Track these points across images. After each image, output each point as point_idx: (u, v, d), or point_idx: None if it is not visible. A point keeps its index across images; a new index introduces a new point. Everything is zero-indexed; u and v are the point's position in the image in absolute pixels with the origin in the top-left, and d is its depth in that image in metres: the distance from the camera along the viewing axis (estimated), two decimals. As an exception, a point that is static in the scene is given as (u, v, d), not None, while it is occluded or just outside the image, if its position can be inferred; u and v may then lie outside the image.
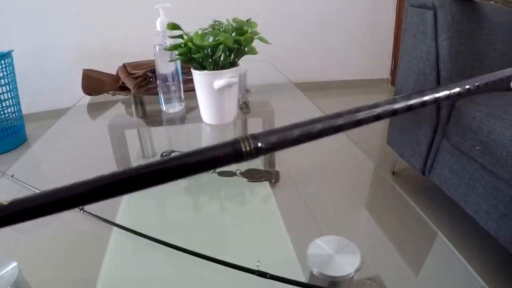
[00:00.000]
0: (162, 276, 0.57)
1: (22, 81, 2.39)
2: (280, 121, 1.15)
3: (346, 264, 0.35)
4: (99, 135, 1.16)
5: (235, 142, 0.18)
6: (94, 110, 1.38)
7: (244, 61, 1.02)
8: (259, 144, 0.18)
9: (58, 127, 1.20)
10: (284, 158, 0.92)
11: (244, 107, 1.19)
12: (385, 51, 3.23)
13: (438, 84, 1.29)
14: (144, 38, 1.68)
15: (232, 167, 0.83)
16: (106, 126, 1.19)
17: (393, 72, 3.23)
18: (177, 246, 0.52)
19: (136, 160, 0.96)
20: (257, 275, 0.42)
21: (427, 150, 1.40)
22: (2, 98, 2.19)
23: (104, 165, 0.96)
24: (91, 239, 0.66)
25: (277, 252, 0.59)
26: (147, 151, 1.03)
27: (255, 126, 1.16)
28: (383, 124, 2.39)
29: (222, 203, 0.76)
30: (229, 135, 1.11)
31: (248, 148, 0.18)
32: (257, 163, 0.88)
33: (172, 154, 0.82)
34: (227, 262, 0.46)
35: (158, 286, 0.55)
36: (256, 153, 0.18)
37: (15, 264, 0.37)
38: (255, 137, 0.18)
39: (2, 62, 2.12)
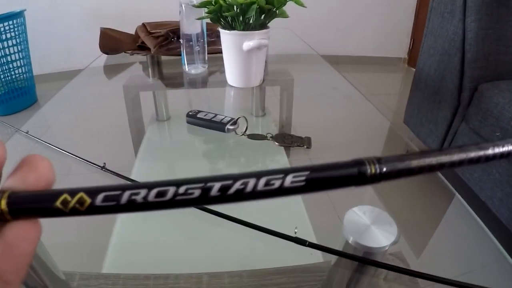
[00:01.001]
0: (173, 241, 0.56)
1: (33, 42, 2.36)
2: (300, 91, 1.14)
3: (382, 236, 0.34)
4: (114, 96, 1.14)
5: (359, 163, 0.16)
6: (110, 71, 1.36)
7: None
8: (385, 169, 0.15)
9: (72, 87, 1.18)
10: (310, 124, 0.90)
11: (267, 79, 1.16)
12: (404, 29, 3.15)
13: (462, 66, 1.26)
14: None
15: (257, 126, 0.81)
16: (122, 87, 1.17)
17: (411, 52, 3.16)
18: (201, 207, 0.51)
19: (150, 123, 0.95)
20: (296, 242, 0.41)
21: (445, 132, 1.37)
22: (13, 58, 2.17)
23: (116, 127, 0.94)
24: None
25: (292, 220, 0.59)
26: (161, 114, 1.01)
27: (273, 94, 1.14)
28: (397, 101, 2.36)
29: (241, 169, 0.75)
30: (249, 97, 1.09)
31: (373, 171, 0.15)
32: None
33: (199, 115, 0.82)
34: (261, 227, 0.44)
35: (168, 251, 0.54)
36: (379, 178, 0.16)
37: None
38: (382, 160, 0.16)
39: (14, 21, 2.08)
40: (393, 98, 2.48)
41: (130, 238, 0.57)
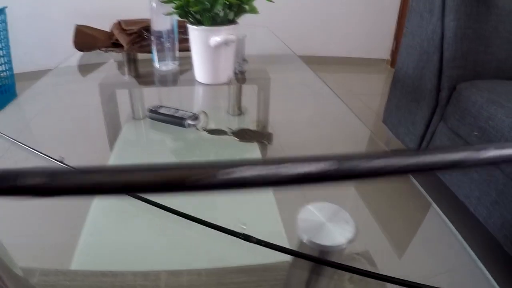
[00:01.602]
0: (144, 241, 0.55)
1: (14, 40, 2.33)
2: (278, 91, 1.13)
3: (338, 234, 0.32)
4: (89, 94, 1.12)
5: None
6: (85, 68, 1.34)
7: (242, 26, 0.99)
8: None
9: (46, 85, 1.15)
10: (277, 122, 0.89)
11: (240, 76, 1.15)
12: (387, 31, 3.17)
13: (441, 65, 1.26)
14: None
15: (223, 125, 0.80)
16: (97, 85, 1.15)
17: (394, 53, 3.18)
18: (161, 205, 0.49)
19: (126, 121, 0.93)
20: (243, 238, 0.40)
21: (423, 131, 1.38)
22: (-6, 56, 2.13)
23: (93, 125, 0.92)
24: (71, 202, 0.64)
25: (264, 218, 0.58)
26: (137, 113, 0.99)
27: (250, 94, 1.13)
28: (378, 102, 2.37)
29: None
30: (223, 96, 1.08)
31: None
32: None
33: (160, 110, 0.81)
34: (212, 224, 0.44)
35: (139, 251, 0.53)
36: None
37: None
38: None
39: (-5, 19, 2.05)
40: (374, 99, 2.49)
41: (100, 238, 0.55)
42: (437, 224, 0.59)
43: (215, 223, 0.45)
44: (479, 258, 0.50)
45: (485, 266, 0.49)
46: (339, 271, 0.44)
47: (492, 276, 0.47)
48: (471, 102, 1.15)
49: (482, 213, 1.10)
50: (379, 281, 0.45)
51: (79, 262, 0.49)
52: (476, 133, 1.12)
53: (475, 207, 1.13)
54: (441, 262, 0.53)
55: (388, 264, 0.52)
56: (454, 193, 1.22)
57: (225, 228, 0.43)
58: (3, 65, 2.22)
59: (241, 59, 1.17)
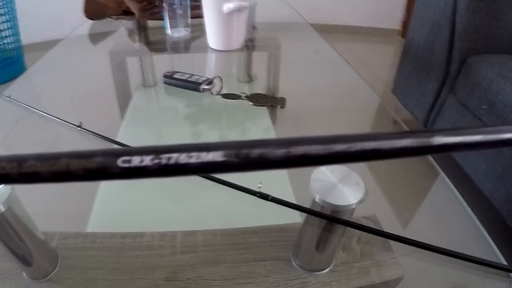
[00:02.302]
0: (158, 203, 0.57)
1: (21, 11, 2.30)
2: (288, 59, 1.13)
3: (349, 195, 0.34)
4: (100, 62, 1.12)
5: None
6: (95, 37, 1.34)
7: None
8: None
9: (57, 54, 1.15)
10: (287, 89, 0.90)
11: (250, 44, 1.15)
12: (399, 1, 3.11)
13: (452, 38, 1.25)
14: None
15: (235, 90, 0.81)
16: (108, 53, 1.15)
17: (405, 24, 3.13)
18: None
19: (136, 89, 0.94)
20: (259, 196, 0.41)
21: (432, 102, 1.38)
22: (1, 28, 2.12)
23: (104, 94, 0.93)
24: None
25: (273, 182, 0.59)
26: (148, 80, 1.00)
27: (262, 61, 1.13)
28: (388, 72, 2.35)
29: (222, 132, 0.75)
30: (234, 63, 1.09)
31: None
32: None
33: (175, 75, 0.82)
34: (229, 182, 0.45)
35: (154, 214, 0.55)
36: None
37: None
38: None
39: (1, -10, 2.02)
40: (384, 69, 2.47)
41: (113, 202, 0.57)
42: (444, 192, 0.61)
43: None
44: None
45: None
46: (348, 233, 0.46)
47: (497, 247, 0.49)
48: (481, 75, 1.15)
49: (487, 187, 1.11)
50: (385, 243, 0.47)
51: (94, 225, 0.51)
52: (484, 106, 1.12)
53: (481, 181, 1.14)
54: (447, 231, 0.54)
55: (394, 229, 0.53)
56: (461, 165, 1.23)
57: (243, 187, 0.44)
58: (10, 37, 2.20)
59: (251, 26, 1.17)
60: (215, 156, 0.13)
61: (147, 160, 0.13)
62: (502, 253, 0.48)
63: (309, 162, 0.14)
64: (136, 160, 0.13)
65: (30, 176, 0.13)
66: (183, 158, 0.13)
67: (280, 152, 0.13)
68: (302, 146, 0.13)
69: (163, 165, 0.13)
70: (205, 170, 0.13)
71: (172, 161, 0.13)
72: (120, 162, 0.13)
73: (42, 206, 0.52)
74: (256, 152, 0.13)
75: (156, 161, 0.13)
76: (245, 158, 0.13)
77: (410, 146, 0.14)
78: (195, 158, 0.13)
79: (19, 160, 0.13)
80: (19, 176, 0.13)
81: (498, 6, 1.21)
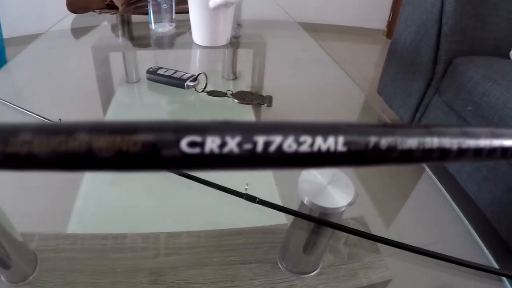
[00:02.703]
0: (142, 203, 0.55)
1: (3, 3, 2.28)
2: (274, 56, 1.12)
3: (338, 197, 0.33)
4: (82, 57, 1.09)
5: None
6: (78, 31, 1.31)
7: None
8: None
9: (38, 48, 1.12)
10: (272, 86, 0.89)
11: (234, 41, 1.14)
12: (384, 1, 3.14)
13: (438, 39, 1.26)
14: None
15: (220, 87, 0.80)
16: (90, 48, 1.13)
17: (390, 24, 3.15)
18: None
19: (119, 85, 0.92)
20: (246, 199, 0.40)
21: (417, 103, 1.38)
22: (-18, 21, 2.06)
23: (85, 89, 0.91)
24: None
25: (258, 183, 0.58)
26: (131, 76, 0.98)
27: (246, 58, 1.12)
28: (373, 72, 2.36)
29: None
30: (219, 60, 1.07)
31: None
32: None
33: (159, 71, 0.80)
34: (215, 184, 0.44)
35: (136, 214, 0.53)
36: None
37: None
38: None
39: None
40: (368, 69, 2.49)
41: (95, 201, 0.55)
42: (432, 193, 0.60)
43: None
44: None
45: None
46: (335, 234, 0.45)
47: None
48: (467, 77, 1.16)
49: (472, 188, 1.12)
50: (372, 245, 0.46)
51: (75, 226, 0.49)
52: (470, 108, 1.13)
53: (466, 182, 1.15)
54: (434, 231, 0.54)
55: (381, 230, 0.53)
56: (445, 166, 1.24)
57: (229, 188, 0.43)
58: (-9, 30, 2.14)
59: (235, 23, 1.15)
60: (335, 144, 0.09)
61: (232, 144, 0.09)
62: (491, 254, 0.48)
63: (445, 158, 0.11)
64: (213, 144, 0.09)
65: (23, 160, 0.08)
66: (290, 144, 0.09)
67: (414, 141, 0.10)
68: (437, 138, 0.10)
69: (258, 154, 0.09)
70: (319, 163, 0.10)
71: (272, 148, 0.09)
72: (185, 145, 0.09)
73: (20, 206, 0.50)
74: (384, 142, 0.10)
75: (247, 146, 0.09)
76: (373, 150, 0.10)
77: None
78: (306, 146, 0.09)
79: (6, 132, 0.09)
80: (3, 158, 0.08)
81: (484, 10, 1.23)
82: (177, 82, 0.79)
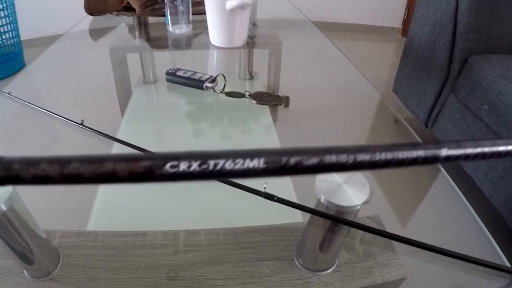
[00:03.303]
0: (161, 202, 0.57)
1: (20, 6, 2.30)
2: (290, 56, 1.12)
3: (354, 195, 0.34)
4: (100, 58, 1.12)
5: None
6: (96, 33, 1.33)
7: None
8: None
9: (57, 50, 1.15)
10: (288, 86, 0.90)
11: (250, 41, 1.15)
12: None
13: (454, 37, 1.25)
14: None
15: (240, 87, 0.81)
16: (108, 49, 1.15)
17: (405, 22, 3.13)
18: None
19: (137, 85, 0.94)
20: (264, 197, 0.41)
21: (433, 102, 1.38)
22: (0, 23, 2.11)
23: (104, 90, 0.93)
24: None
25: (275, 183, 0.59)
26: (148, 77, 1.00)
27: (262, 58, 1.13)
28: (388, 71, 2.35)
29: (224, 130, 0.75)
30: (235, 60, 1.08)
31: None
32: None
33: (178, 72, 0.81)
34: (235, 182, 0.45)
35: (156, 212, 0.55)
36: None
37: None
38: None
39: (0, -15, 2.01)
40: (384, 67, 2.47)
41: (115, 200, 0.57)
42: (447, 193, 0.61)
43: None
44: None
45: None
46: (351, 233, 0.46)
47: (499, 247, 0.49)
48: (482, 75, 1.15)
49: (488, 187, 1.11)
50: (387, 244, 0.47)
51: (95, 223, 0.51)
52: (485, 106, 1.12)
53: (482, 181, 1.14)
54: (449, 231, 0.54)
55: (397, 229, 0.53)
56: (462, 165, 1.23)
57: (248, 187, 0.44)
58: (9, 32, 2.19)
59: (251, 23, 1.16)
60: (258, 163, 0.14)
61: (195, 166, 0.14)
62: (504, 254, 0.48)
63: (338, 169, 0.15)
64: (184, 165, 0.13)
65: (72, 178, 0.13)
66: (229, 164, 0.14)
67: (314, 160, 0.14)
68: (334, 155, 0.15)
69: (210, 171, 0.14)
70: (246, 175, 0.14)
71: (218, 167, 0.14)
72: (169, 167, 0.13)
73: (44, 204, 0.52)
74: (294, 160, 0.14)
75: (204, 166, 0.14)
76: (285, 165, 0.14)
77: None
78: (240, 164, 0.14)
79: (62, 162, 0.13)
80: (61, 178, 0.13)
81: (500, 6, 1.21)
82: (196, 83, 0.80)
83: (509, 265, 0.45)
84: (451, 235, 0.53)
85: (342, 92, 0.95)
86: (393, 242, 0.46)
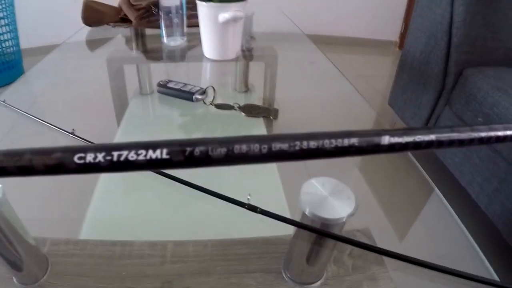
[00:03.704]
0: (151, 212, 0.57)
1: (21, 15, 2.31)
2: (285, 69, 1.13)
3: (339, 208, 0.34)
4: (97, 69, 1.12)
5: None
6: (93, 43, 1.34)
7: (251, 3, 0.99)
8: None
9: (54, 59, 1.15)
10: (283, 99, 0.90)
11: (247, 53, 1.16)
12: (397, 12, 3.13)
13: (448, 50, 1.26)
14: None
15: (230, 101, 0.81)
16: (105, 60, 1.15)
17: (403, 35, 3.15)
18: (168, 175, 0.51)
19: (133, 96, 0.94)
20: (247, 208, 0.41)
21: (428, 115, 1.38)
22: (0, 31, 2.13)
23: (100, 100, 0.93)
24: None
25: (267, 193, 0.59)
26: (144, 88, 1.00)
27: (258, 71, 1.13)
28: (385, 84, 2.36)
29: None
30: (230, 73, 1.09)
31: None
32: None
33: (169, 84, 0.82)
34: (218, 194, 0.45)
35: (146, 222, 0.55)
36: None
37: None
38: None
39: (1, -7, 2.03)
40: (381, 81, 2.48)
41: (107, 209, 0.57)
42: (438, 209, 0.60)
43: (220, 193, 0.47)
44: (478, 245, 0.52)
45: (484, 253, 0.50)
46: (340, 246, 0.45)
47: (490, 263, 0.49)
48: (476, 88, 1.15)
49: (483, 200, 1.11)
50: (377, 257, 0.46)
51: (87, 232, 0.51)
52: (480, 119, 1.13)
53: (477, 194, 1.14)
54: (439, 246, 0.54)
55: (387, 243, 0.53)
56: (457, 179, 1.23)
57: (231, 198, 0.44)
58: (10, 41, 2.21)
59: (248, 36, 1.17)
60: (161, 153, 0.14)
61: (100, 157, 0.14)
62: (495, 269, 0.48)
63: (251, 160, 0.14)
64: (90, 157, 0.14)
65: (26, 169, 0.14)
66: (132, 155, 0.14)
67: (222, 150, 0.14)
68: (244, 144, 0.14)
69: (114, 162, 0.14)
70: (152, 166, 0.14)
71: (122, 158, 0.14)
72: (76, 158, 0.14)
73: (34, 212, 0.52)
74: (198, 150, 0.14)
75: (108, 157, 0.14)
76: (189, 155, 0.14)
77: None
78: (142, 155, 0.14)
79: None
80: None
81: (494, 19, 1.22)
82: (186, 95, 0.81)
83: (498, 279, 0.45)
84: (442, 250, 0.53)
85: (334, 107, 0.95)
86: (383, 256, 0.46)
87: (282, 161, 0.15)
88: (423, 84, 1.40)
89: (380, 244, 0.48)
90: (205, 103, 0.80)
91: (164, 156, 0.14)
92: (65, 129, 0.67)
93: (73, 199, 0.59)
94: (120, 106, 0.90)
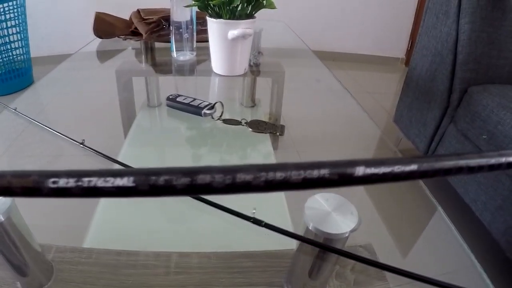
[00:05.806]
0: (156, 223, 0.57)
1: (32, 24, 2.35)
2: (291, 85, 1.14)
3: (342, 223, 0.35)
4: (106, 80, 1.14)
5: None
6: (103, 55, 1.36)
7: (260, 20, 1.00)
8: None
9: (64, 70, 1.18)
10: (289, 115, 0.91)
11: (255, 69, 1.17)
12: (403, 30, 3.16)
13: (454, 68, 1.27)
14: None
15: (237, 116, 0.83)
16: (114, 72, 1.17)
17: (409, 52, 3.17)
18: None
19: (141, 109, 0.95)
20: (252, 222, 0.42)
21: (433, 132, 1.38)
22: (12, 39, 2.16)
23: (108, 111, 0.95)
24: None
25: (271, 208, 0.59)
26: (153, 101, 1.02)
27: (264, 86, 1.15)
28: (391, 101, 2.37)
29: (222, 156, 0.76)
30: (237, 88, 1.10)
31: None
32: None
33: (178, 98, 0.83)
34: (224, 207, 0.46)
35: (150, 233, 0.56)
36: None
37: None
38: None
39: (14, 2, 2.08)
40: (387, 98, 2.49)
41: (112, 219, 0.58)
42: (441, 227, 0.61)
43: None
44: (481, 262, 0.52)
45: (486, 271, 0.50)
46: (342, 260, 0.46)
47: (491, 280, 0.49)
48: (481, 105, 1.16)
49: (487, 218, 1.11)
50: (379, 273, 0.47)
51: (92, 241, 0.51)
52: (484, 136, 1.13)
53: (481, 211, 1.13)
54: (441, 263, 0.54)
55: (389, 259, 0.53)
56: (461, 196, 1.23)
57: (237, 212, 0.45)
58: (20, 49, 2.25)
59: (256, 51, 1.19)
60: (127, 181, 0.15)
61: (71, 182, 0.14)
62: (496, 286, 0.48)
63: (213, 191, 0.15)
64: (62, 182, 0.14)
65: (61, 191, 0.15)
66: (100, 182, 0.14)
67: (185, 180, 0.14)
68: (207, 175, 0.15)
69: (84, 188, 0.14)
70: (119, 194, 0.15)
71: (91, 184, 0.14)
72: (50, 183, 0.14)
73: (42, 219, 0.53)
74: (163, 179, 0.15)
75: (79, 183, 0.14)
76: (153, 184, 0.15)
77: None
78: (110, 182, 0.14)
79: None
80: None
81: (499, 37, 1.23)
82: (195, 109, 0.82)
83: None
84: (444, 267, 0.53)
85: (340, 124, 0.96)
86: (386, 272, 0.46)
87: (246, 193, 0.15)
88: (428, 102, 1.40)
89: (382, 260, 0.48)
90: (213, 118, 0.82)
91: (130, 184, 0.14)
92: (74, 139, 0.68)
93: (79, 208, 0.59)
94: (128, 118, 0.91)
